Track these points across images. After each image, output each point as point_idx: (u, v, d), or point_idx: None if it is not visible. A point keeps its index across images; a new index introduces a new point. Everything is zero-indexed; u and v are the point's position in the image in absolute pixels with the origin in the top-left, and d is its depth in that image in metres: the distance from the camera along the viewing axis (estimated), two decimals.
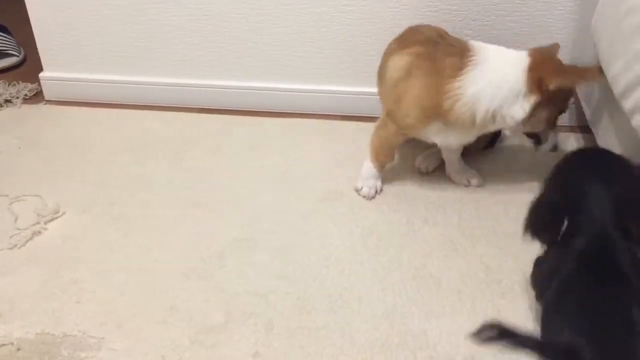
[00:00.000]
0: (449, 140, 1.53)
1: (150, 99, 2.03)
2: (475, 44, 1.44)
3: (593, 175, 1.13)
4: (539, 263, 1.24)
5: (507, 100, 1.39)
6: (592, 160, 1.20)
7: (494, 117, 1.41)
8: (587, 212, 1.10)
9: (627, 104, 1.24)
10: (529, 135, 1.52)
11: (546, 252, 1.22)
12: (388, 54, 1.60)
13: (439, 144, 1.57)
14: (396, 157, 1.69)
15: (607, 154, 1.24)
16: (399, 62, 1.52)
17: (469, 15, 1.78)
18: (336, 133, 1.89)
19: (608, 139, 1.46)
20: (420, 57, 1.48)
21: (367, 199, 1.62)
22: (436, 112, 1.43)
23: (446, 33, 1.56)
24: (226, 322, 1.29)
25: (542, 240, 1.20)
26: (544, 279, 1.18)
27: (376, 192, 1.63)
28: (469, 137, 1.52)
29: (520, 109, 1.40)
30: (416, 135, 1.55)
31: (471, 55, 1.41)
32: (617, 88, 1.28)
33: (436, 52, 1.46)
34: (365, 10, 1.83)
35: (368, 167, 1.63)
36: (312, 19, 1.86)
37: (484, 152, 1.77)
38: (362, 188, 1.62)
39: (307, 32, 1.88)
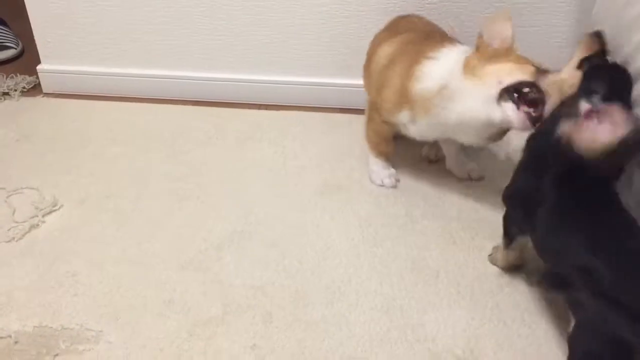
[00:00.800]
0: (422, 132, 1.50)
1: (147, 91, 2.03)
2: (453, 41, 1.47)
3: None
4: (510, 191, 1.29)
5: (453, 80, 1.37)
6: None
7: (447, 98, 1.38)
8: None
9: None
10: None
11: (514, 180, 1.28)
12: (377, 44, 1.63)
13: (418, 138, 1.56)
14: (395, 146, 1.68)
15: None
16: (387, 50, 1.56)
17: (469, 6, 1.77)
18: (333, 125, 1.88)
19: None
20: (405, 43, 1.53)
21: (394, 187, 1.63)
22: (404, 95, 1.45)
23: (435, 26, 1.62)
24: (223, 314, 1.28)
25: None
26: (526, 203, 1.21)
27: (396, 179, 1.64)
28: (436, 132, 1.48)
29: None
30: (393, 123, 1.54)
31: (441, 47, 1.43)
32: None
33: (419, 39, 1.52)
34: (364, 2, 1.82)
35: (375, 162, 1.65)
36: (310, 11, 1.85)
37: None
38: (382, 181, 1.63)
39: (304, 24, 1.88)
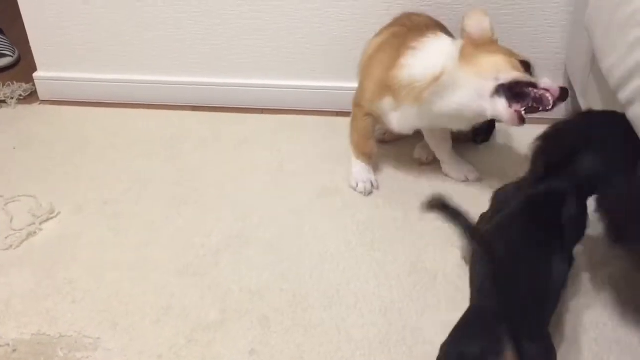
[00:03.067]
0: (405, 121, 1.52)
1: (144, 97, 2.03)
2: (437, 33, 1.50)
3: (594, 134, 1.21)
4: (498, 193, 1.32)
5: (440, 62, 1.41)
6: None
7: (443, 86, 1.40)
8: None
9: (623, 95, 1.23)
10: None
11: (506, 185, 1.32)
12: (372, 38, 1.67)
13: (399, 129, 1.57)
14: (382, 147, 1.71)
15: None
16: (375, 41, 1.62)
17: (464, 8, 1.77)
18: (330, 129, 1.88)
19: None
20: (392, 35, 1.57)
21: (365, 195, 1.61)
22: (386, 83, 1.48)
23: (436, 21, 1.63)
24: (222, 319, 1.28)
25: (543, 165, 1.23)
26: (499, 204, 1.27)
27: (372, 185, 1.63)
28: (423, 121, 1.51)
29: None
30: (376, 113, 1.56)
31: (422, 38, 1.47)
32: (613, 79, 1.27)
33: (405, 32, 1.54)
34: (359, 6, 1.82)
35: (356, 164, 1.66)
36: (305, 15, 1.85)
37: (480, 146, 1.77)
38: (357, 185, 1.63)
39: (300, 28, 1.88)
